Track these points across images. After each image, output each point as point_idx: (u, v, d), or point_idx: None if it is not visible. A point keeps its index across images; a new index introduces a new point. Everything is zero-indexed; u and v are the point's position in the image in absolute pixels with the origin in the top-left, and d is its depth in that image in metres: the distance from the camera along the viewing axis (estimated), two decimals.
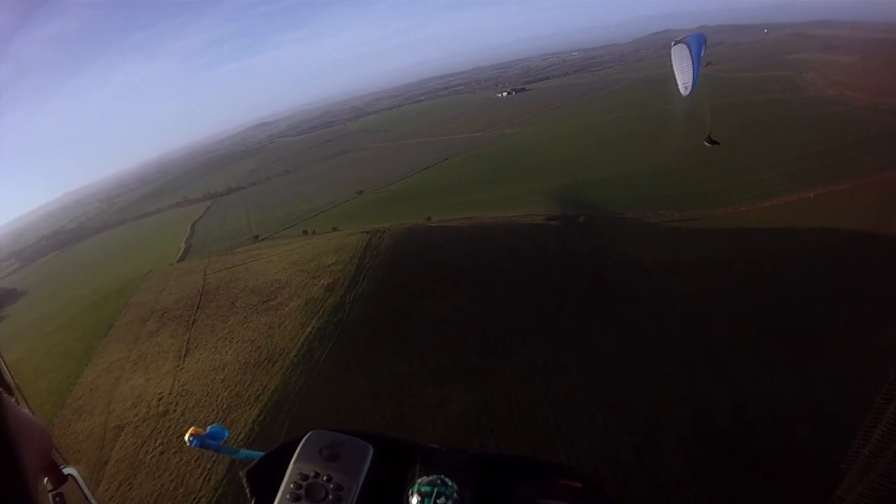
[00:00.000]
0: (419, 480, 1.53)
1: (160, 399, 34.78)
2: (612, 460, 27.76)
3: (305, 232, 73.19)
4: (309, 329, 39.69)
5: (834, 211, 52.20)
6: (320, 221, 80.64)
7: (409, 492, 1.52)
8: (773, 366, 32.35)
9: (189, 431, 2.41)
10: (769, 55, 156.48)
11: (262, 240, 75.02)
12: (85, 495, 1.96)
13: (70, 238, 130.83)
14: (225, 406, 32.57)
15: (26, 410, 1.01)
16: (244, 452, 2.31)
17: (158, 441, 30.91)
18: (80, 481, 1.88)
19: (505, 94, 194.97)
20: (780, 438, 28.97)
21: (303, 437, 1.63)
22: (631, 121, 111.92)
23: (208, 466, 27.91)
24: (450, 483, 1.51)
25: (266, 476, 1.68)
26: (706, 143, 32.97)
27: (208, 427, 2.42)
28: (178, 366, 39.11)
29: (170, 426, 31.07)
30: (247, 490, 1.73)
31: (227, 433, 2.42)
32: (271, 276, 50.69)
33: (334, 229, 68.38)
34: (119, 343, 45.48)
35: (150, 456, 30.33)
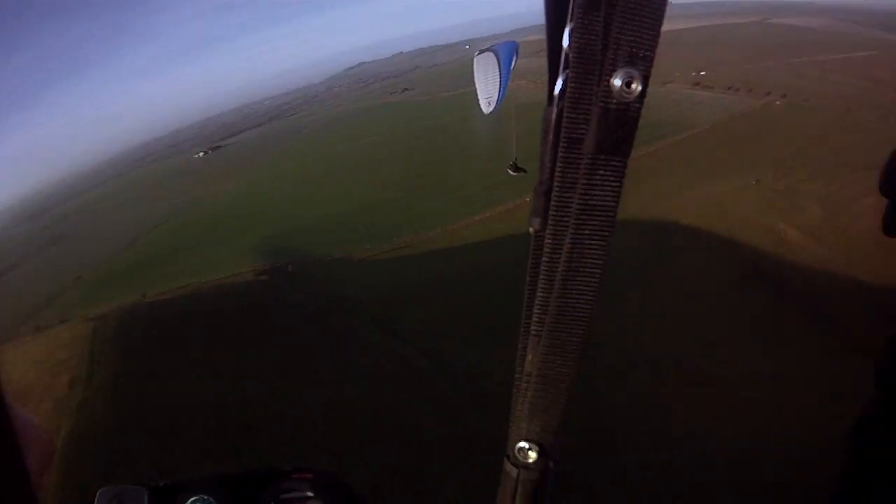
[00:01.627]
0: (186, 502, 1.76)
1: None
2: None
3: (38, 328, 70.67)
4: (63, 433, 38.58)
5: None
6: (50, 314, 78.26)
7: None
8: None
9: None
10: (469, 72, 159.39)
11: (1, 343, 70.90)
12: None
13: None
14: None
15: (27, 413, 1.09)
16: None
17: None
18: None
19: (202, 154, 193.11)
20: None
21: (94, 497, 1.78)
22: (327, 161, 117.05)
23: None
24: (207, 497, 1.74)
25: None
26: (510, 172, 30.27)
27: None
28: None
29: None
30: None
31: None
32: (17, 379, 48.86)
33: (62, 321, 67.74)
34: None
35: None
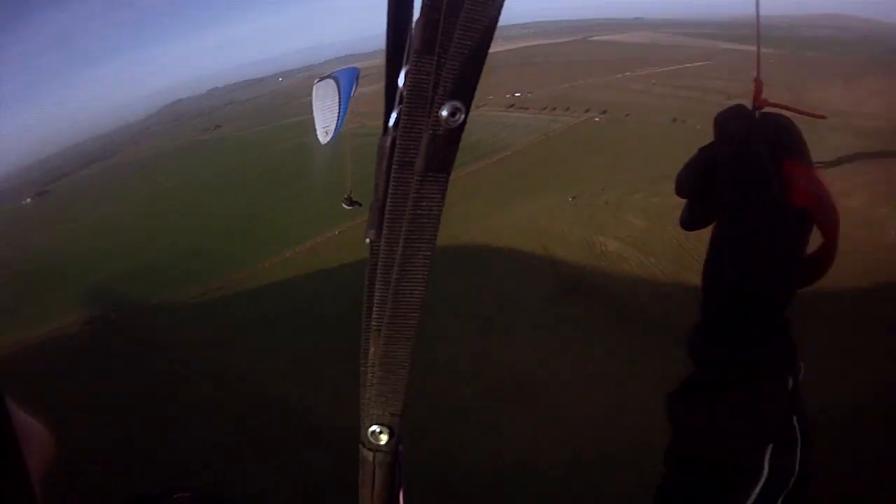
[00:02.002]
0: None
1: None
2: None
3: None
4: None
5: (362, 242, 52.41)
6: None
7: None
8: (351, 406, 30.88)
9: None
10: (285, 103, 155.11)
11: None
12: None
13: None
14: None
15: (26, 414, 1.12)
16: None
17: None
18: None
19: (29, 199, 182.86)
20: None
21: None
22: (143, 204, 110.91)
23: None
24: None
25: None
26: (345, 206, 27.15)
27: None
28: None
29: None
30: None
31: None
32: None
33: None
34: None
35: None
